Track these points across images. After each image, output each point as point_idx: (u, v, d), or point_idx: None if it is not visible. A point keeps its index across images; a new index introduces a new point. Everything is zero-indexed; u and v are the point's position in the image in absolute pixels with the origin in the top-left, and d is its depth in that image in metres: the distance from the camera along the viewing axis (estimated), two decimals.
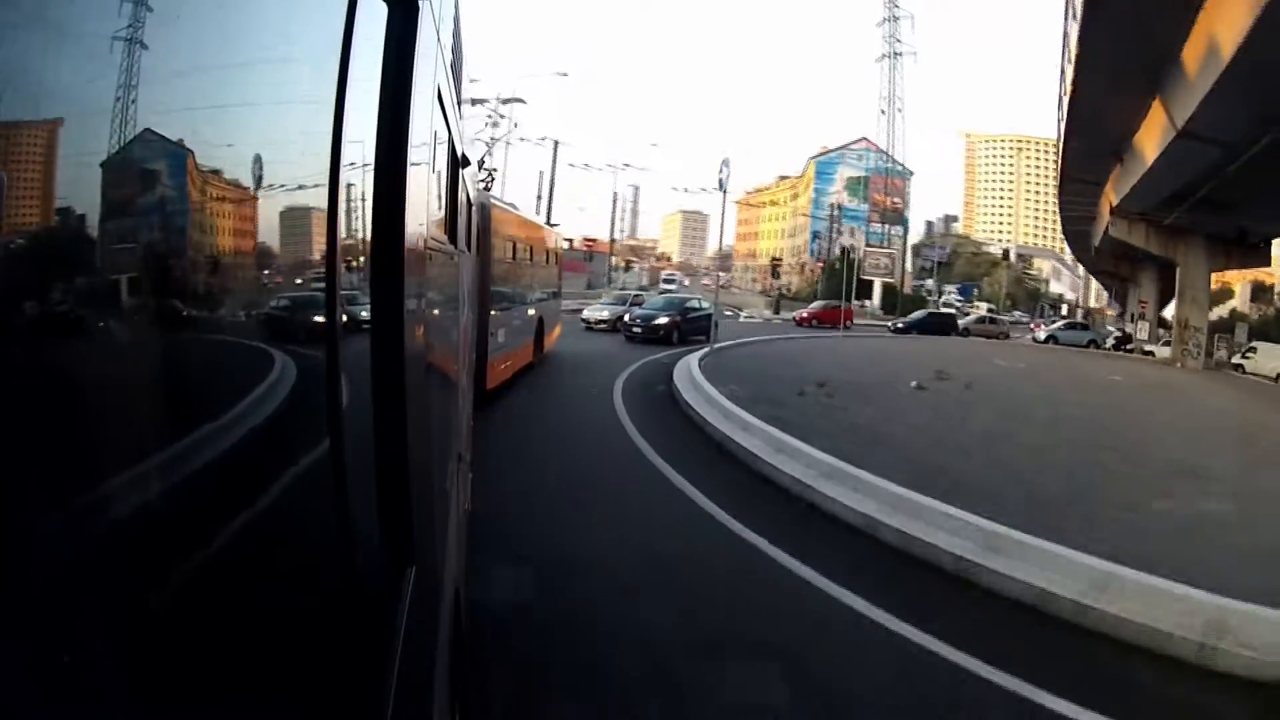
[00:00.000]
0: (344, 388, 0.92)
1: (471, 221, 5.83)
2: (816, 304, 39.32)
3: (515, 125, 25.90)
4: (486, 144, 21.26)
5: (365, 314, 1.17)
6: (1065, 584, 4.66)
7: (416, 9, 1.30)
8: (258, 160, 0.77)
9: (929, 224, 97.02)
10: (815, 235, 68.09)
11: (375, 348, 1.19)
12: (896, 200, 69.20)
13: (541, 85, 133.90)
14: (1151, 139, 21.47)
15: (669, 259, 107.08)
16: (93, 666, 0.48)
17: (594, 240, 62.95)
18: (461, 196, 3.66)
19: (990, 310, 53.66)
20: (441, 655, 1.65)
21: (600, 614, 4.39)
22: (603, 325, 23.69)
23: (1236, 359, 31.58)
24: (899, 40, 69.84)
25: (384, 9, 1.19)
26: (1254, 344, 32.41)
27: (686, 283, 66.63)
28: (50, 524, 0.46)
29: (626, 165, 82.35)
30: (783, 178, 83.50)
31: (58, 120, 0.47)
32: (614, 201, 49.49)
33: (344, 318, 0.94)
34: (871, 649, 4.21)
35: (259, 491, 0.82)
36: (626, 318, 22.32)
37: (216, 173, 0.70)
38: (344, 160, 0.90)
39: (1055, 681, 3.81)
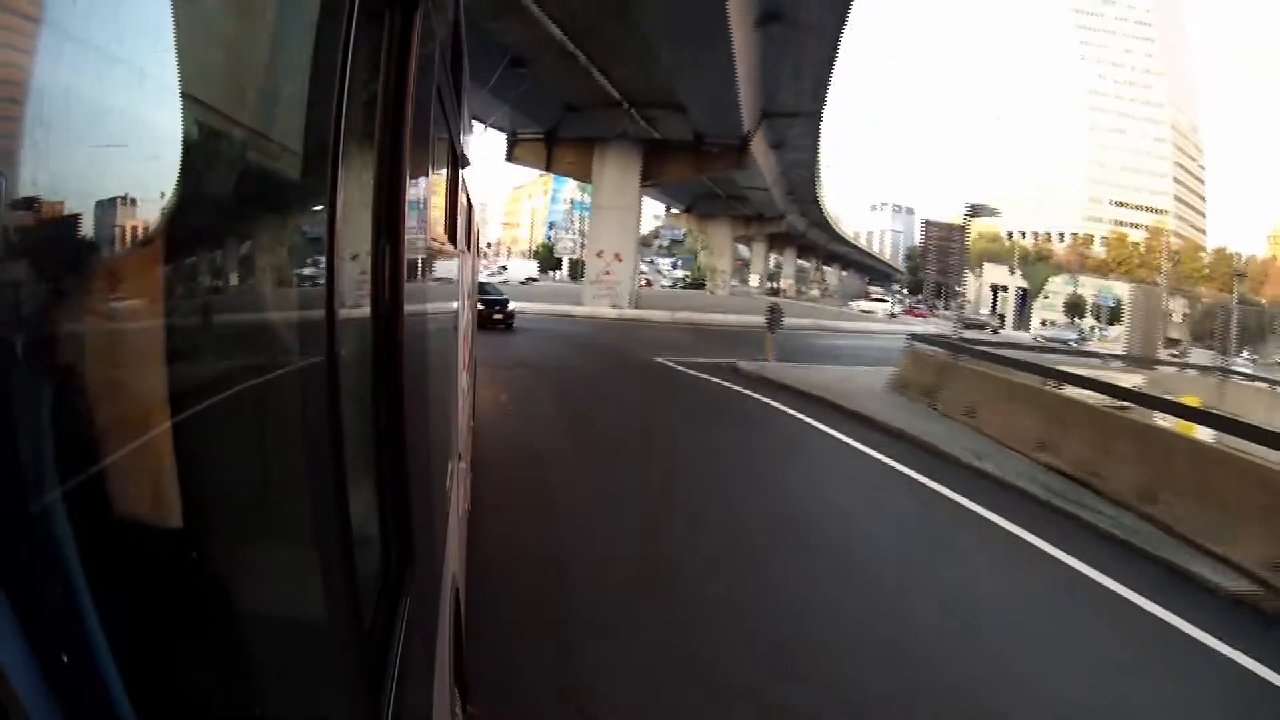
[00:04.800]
0: (344, 388, 0.90)
1: (471, 222, 5.73)
2: None
3: None
4: None
5: (365, 314, 1.18)
6: None
7: (416, 9, 1.29)
8: (256, 160, 0.78)
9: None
10: (551, 225, 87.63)
11: (375, 348, 1.21)
12: None
13: None
14: None
15: None
16: (90, 666, 0.49)
17: None
18: (461, 197, 3.70)
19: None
20: (442, 653, 1.68)
21: None
22: None
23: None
24: None
25: (384, 9, 1.20)
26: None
27: None
28: (48, 523, 0.47)
29: None
30: (542, 174, 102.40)
31: (59, 119, 0.48)
32: None
33: (343, 317, 0.93)
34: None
35: (259, 491, 0.83)
36: None
37: (215, 173, 0.70)
38: (343, 160, 0.88)
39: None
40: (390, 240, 1.21)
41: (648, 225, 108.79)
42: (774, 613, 4.43)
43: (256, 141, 0.78)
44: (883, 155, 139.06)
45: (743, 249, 73.05)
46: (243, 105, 0.75)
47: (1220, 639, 4.36)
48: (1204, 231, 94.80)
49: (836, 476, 8.05)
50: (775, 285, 74.85)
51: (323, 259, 0.88)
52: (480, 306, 19.26)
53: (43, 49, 0.46)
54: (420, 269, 1.56)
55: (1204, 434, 7.86)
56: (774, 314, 15.85)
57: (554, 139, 27.55)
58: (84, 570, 0.48)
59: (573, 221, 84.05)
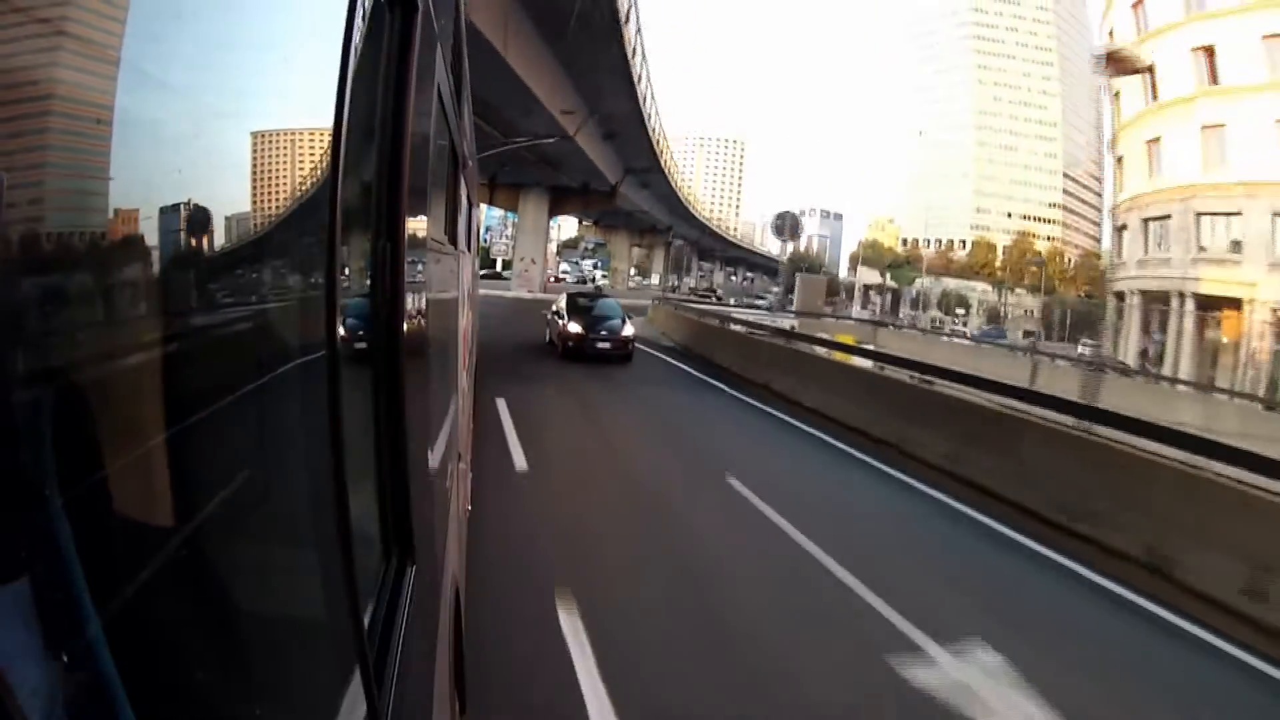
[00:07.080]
0: (344, 388, 0.90)
1: (472, 222, 5.86)
2: None
3: None
4: None
5: (365, 314, 1.18)
6: None
7: (416, 9, 1.29)
8: (256, 161, 0.77)
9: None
10: (488, 229, 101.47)
11: (375, 348, 1.21)
12: None
13: None
14: None
15: None
16: (90, 666, 0.49)
17: None
18: (461, 197, 3.76)
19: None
20: (442, 654, 1.69)
21: None
22: None
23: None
24: None
25: (384, 9, 1.19)
26: None
27: None
28: (48, 522, 0.46)
29: None
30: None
31: (56, 118, 0.48)
32: None
33: (343, 318, 0.93)
34: None
35: (259, 491, 0.83)
36: None
37: (214, 172, 0.69)
38: (343, 161, 0.88)
39: None
40: (390, 240, 1.22)
41: (573, 232, 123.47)
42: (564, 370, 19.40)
43: (257, 141, 0.77)
44: (817, 166, 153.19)
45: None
46: (243, 105, 0.75)
47: (667, 357, 18.80)
48: (1098, 239, 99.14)
49: None
50: (673, 283, 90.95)
51: (323, 259, 0.88)
52: (576, 328, 15.19)
53: (37, 46, 0.46)
54: (420, 269, 1.55)
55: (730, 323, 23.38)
56: (599, 290, 31.38)
57: (494, 184, 42.03)
58: (84, 570, 0.48)
59: (506, 227, 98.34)
